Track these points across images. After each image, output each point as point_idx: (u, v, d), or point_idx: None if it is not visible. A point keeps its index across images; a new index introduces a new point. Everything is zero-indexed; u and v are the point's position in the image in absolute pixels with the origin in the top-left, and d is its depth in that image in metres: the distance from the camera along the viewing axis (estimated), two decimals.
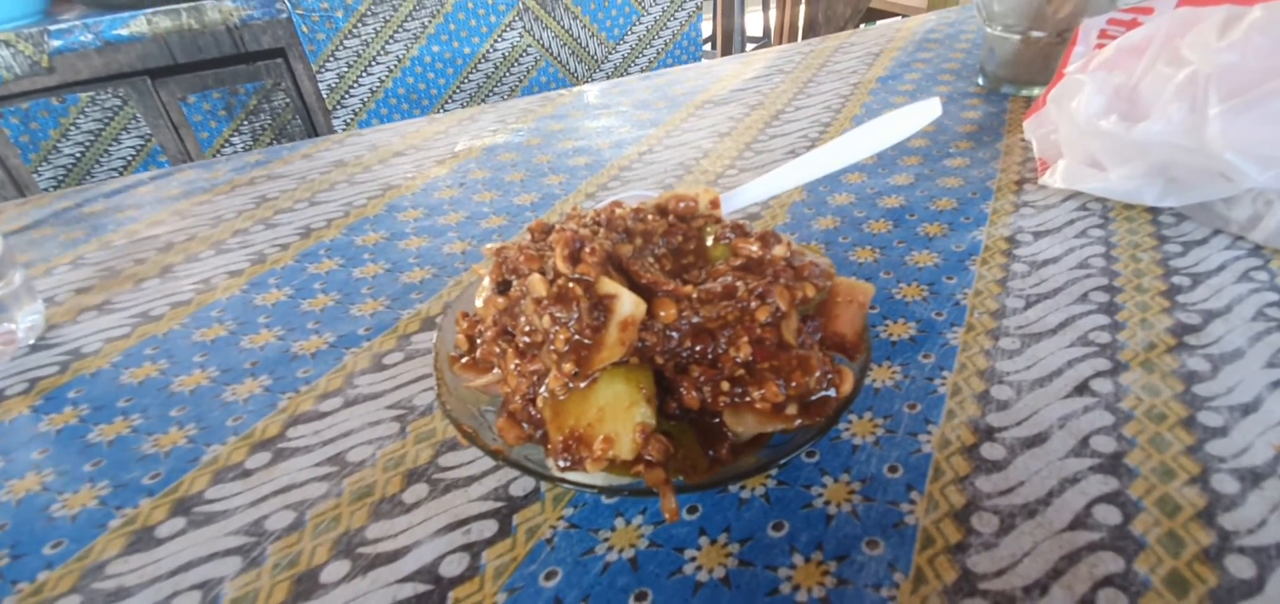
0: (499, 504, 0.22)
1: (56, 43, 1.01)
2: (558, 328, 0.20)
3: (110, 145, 1.10)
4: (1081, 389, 0.25)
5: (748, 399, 0.20)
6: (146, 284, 0.35)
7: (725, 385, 0.20)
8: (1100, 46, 0.42)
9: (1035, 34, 0.49)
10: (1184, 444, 0.22)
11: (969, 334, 0.28)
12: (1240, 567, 0.18)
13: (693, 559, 0.20)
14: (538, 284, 0.21)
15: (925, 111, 0.29)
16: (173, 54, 1.07)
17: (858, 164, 0.41)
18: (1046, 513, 0.20)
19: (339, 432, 0.25)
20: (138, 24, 1.02)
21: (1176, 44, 0.35)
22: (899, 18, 2.51)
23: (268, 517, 0.22)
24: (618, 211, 0.24)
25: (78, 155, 1.09)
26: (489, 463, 0.23)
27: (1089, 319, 0.28)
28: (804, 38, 2.84)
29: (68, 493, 0.23)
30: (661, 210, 0.27)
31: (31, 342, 0.31)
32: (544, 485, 0.22)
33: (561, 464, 0.19)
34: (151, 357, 0.30)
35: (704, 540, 0.20)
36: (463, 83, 1.25)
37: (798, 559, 0.19)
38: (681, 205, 0.26)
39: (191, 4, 1.03)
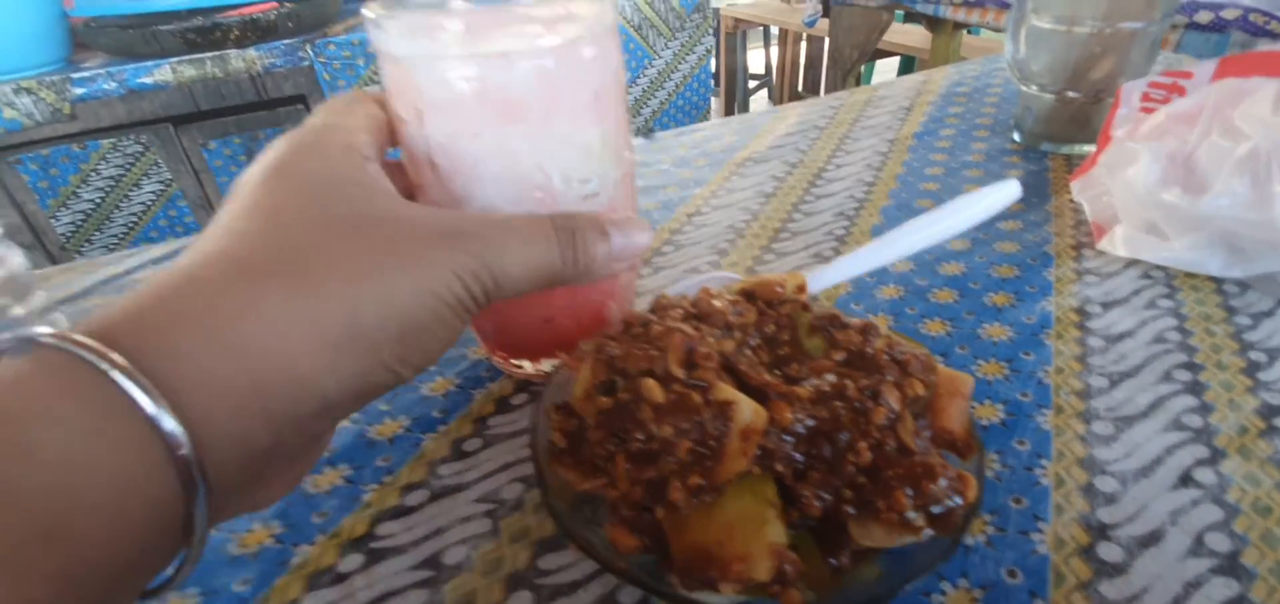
0: None
1: (79, 91, 1.01)
2: (680, 438, 0.19)
3: (130, 191, 1.10)
4: (1185, 480, 0.24)
5: (873, 509, 0.19)
6: None
7: (848, 493, 0.20)
8: (1145, 111, 0.43)
9: (1070, 94, 0.50)
10: None
11: (1059, 417, 0.27)
12: None
13: None
14: (654, 390, 0.20)
15: (1005, 193, 0.29)
16: (196, 101, 1.07)
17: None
18: None
19: (429, 529, 0.24)
20: (162, 73, 1.03)
21: (1229, 115, 0.35)
22: (894, 59, 2.54)
23: None
24: (715, 303, 0.24)
25: (97, 201, 1.09)
26: (590, 566, 0.23)
27: (1177, 400, 0.28)
28: (804, 76, 2.88)
29: None
30: (749, 296, 0.26)
31: None
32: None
33: (689, 583, 0.18)
34: None
35: None
36: None
37: None
38: (773, 291, 0.26)
39: (216, 53, 1.04)
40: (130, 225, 1.14)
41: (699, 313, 0.24)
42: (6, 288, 0.27)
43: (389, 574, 0.23)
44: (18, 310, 0.27)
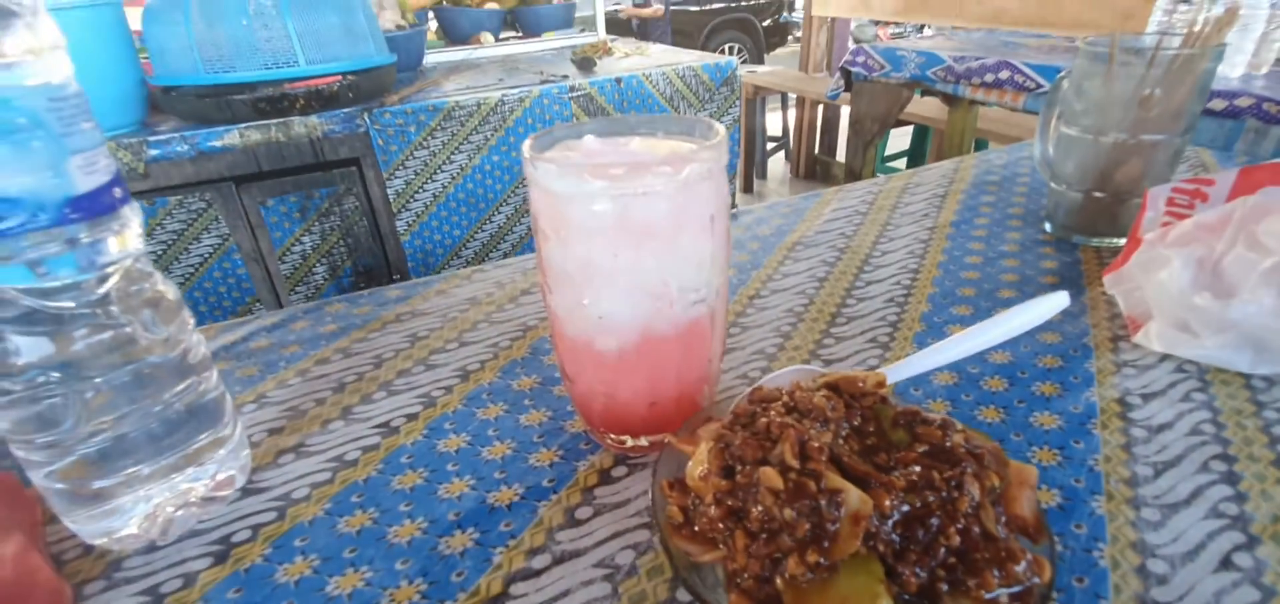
0: None
1: (154, 152, 1.09)
2: (800, 519, 0.23)
3: (191, 244, 1.17)
4: (1226, 563, 0.27)
5: (965, 587, 0.23)
6: (332, 426, 0.38)
7: (941, 572, 0.23)
8: (1171, 213, 0.47)
9: (1097, 194, 0.54)
10: None
11: (1110, 503, 0.31)
12: None
13: None
14: (773, 477, 0.24)
15: (1055, 302, 0.33)
16: (258, 162, 1.15)
17: (961, 317, 0.45)
18: None
19: (557, 591, 0.28)
20: (231, 137, 1.11)
21: (1254, 230, 0.39)
22: (908, 127, 2.62)
23: None
24: (815, 400, 0.28)
25: (159, 253, 1.16)
26: None
27: (1215, 489, 0.31)
28: (821, 140, 2.98)
29: None
30: (835, 388, 0.30)
31: (243, 483, 0.34)
32: None
33: None
34: (360, 504, 0.33)
35: None
36: (516, 188, 1.33)
37: None
38: (856, 385, 0.30)
39: (281, 120, 1.12)
40: (187, 276, 1.20)
41: (798, 407, 0.28)
42: (201, 365, 0.31)
43: None
44: (204, 385, 0.31)
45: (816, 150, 2.98)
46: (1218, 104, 0.99)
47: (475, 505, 0.32)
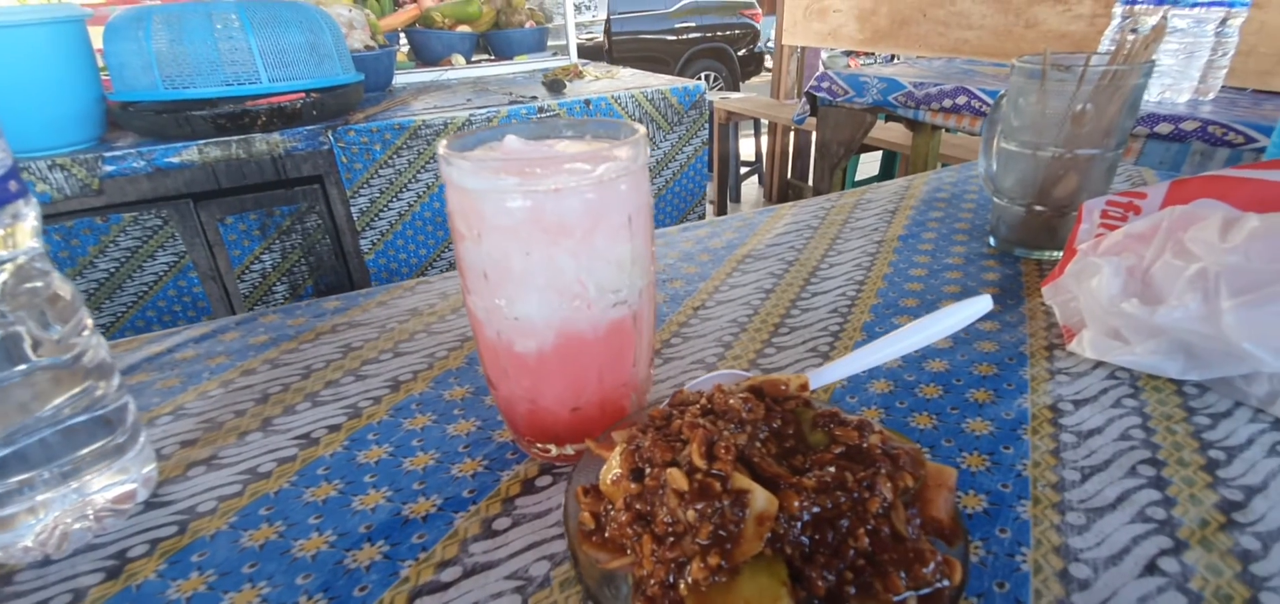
0: None
1: (109, 168, 1.06)
2: (702, 522, 0.22)
3: (145, 262, 1.14)
4: (1151, 568, 0.27)
5: (872, 590, 0.22)
6: (250, 438, 0.37)
7: (849, 574, 0.22)
8: (1104, 225, 0.48)
9: (1038, 208, 0.55)
10: None
11: (1036, 508, 0.30)
12: None
13: None
14: (678, 478, 0.23)
15: (977, 307, 0.33)
16: (217, 179, 1.13)
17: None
18: None
19: None
20: (189, 154, 1.09)
21: (1181, 237, 0.40)
22: (877, 153, 2.68)
23: None
24: (730, 401, 0.27)
25: (112, 270, 1.13)
26: None
27: (1142, 493, 0.31)
28: (793, 163, 3.02)
29: None
30: (757, 392, 0.30)
31: (146, 498, 0.33)
32: None
33: None
34: (267, 517, 0.31)
35: None
36: None
37: None
38: (778, 388, 0.29)
39: (242, 137, 1.10)
40: (141, 294, 1.17)
41: (714, 409, 0.27)
42: (96, 371, 0.30)
43: None
44: (101, 391, 0.30)
45: (789, 175, 3.02)
46: (1165, 128, 1.02)
47: (388, 518, 0.31)
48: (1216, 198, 0.44)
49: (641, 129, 0.29)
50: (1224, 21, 1.06)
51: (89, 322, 0.30)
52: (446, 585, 0.27)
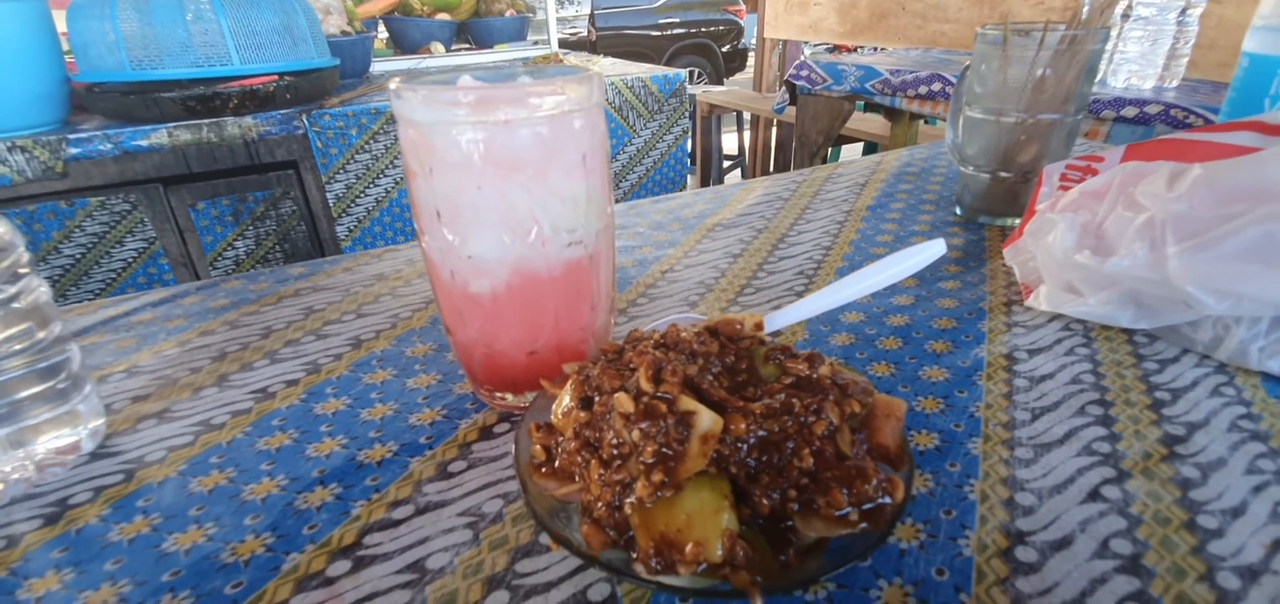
0: None
1: (74, 151, 1.04)
2: (646, 441, 0.22)
3: (113, 248, 1.11)
4: (1094, 495, 0.28)
5: (815, 506, 0.22)
6: (205, 393, 0.36)
7: (793, 493, 0.23)
8: (1063, 188, 0.49)
9: (1002, 174, 0.56)
10: (1189, 545, 0.25)
11: (986, 444, 0.31)
12: None
13: None
14: (625, 401, 0.23)
15: (932, 250, 0.34)
16: (188, 163, 1.11)
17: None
18: None
19: (414, 539, 0.26)
20: (158, 136, 1.06)
21: (1131, 191, 0.41)
22: (858, 144, 2.71)
23: None
24: (682, 335, 0.27)
25: (78, 256, 1.10)
26: (564, 569, 0.25)
27: (1089, 430, 0.32)
28: (775, 156, 3.04)
29: (150, 603, 0.24)
30: (712, 331, 0.30)
31: (92, 449, 0.32)
32: (620, 591, 0.24)
33: (653, 568, 0.21)
34: (218, 465, 0.31)
35: None
36: None
37: None
38: (733, 328, 0.29)
39: (213, 120, 1.08)
40: (108, 280, 1.14)
41: (667, 343, 0.27)
42: (33, 315, 0.29)
43: (375, 578, 0.25)
44: (40, 335, 0.29)
45: (772, 168, 3.04)
46: (1130, 111, 1.04)
47: (343, 464, 0.31)
48: (1171, 160, 0.45)
49: (596, 74, 0.29)
50: (1185, 10, 1.08)
51: (26, 260, 0.29)
52: (398, 522, 0.27)
